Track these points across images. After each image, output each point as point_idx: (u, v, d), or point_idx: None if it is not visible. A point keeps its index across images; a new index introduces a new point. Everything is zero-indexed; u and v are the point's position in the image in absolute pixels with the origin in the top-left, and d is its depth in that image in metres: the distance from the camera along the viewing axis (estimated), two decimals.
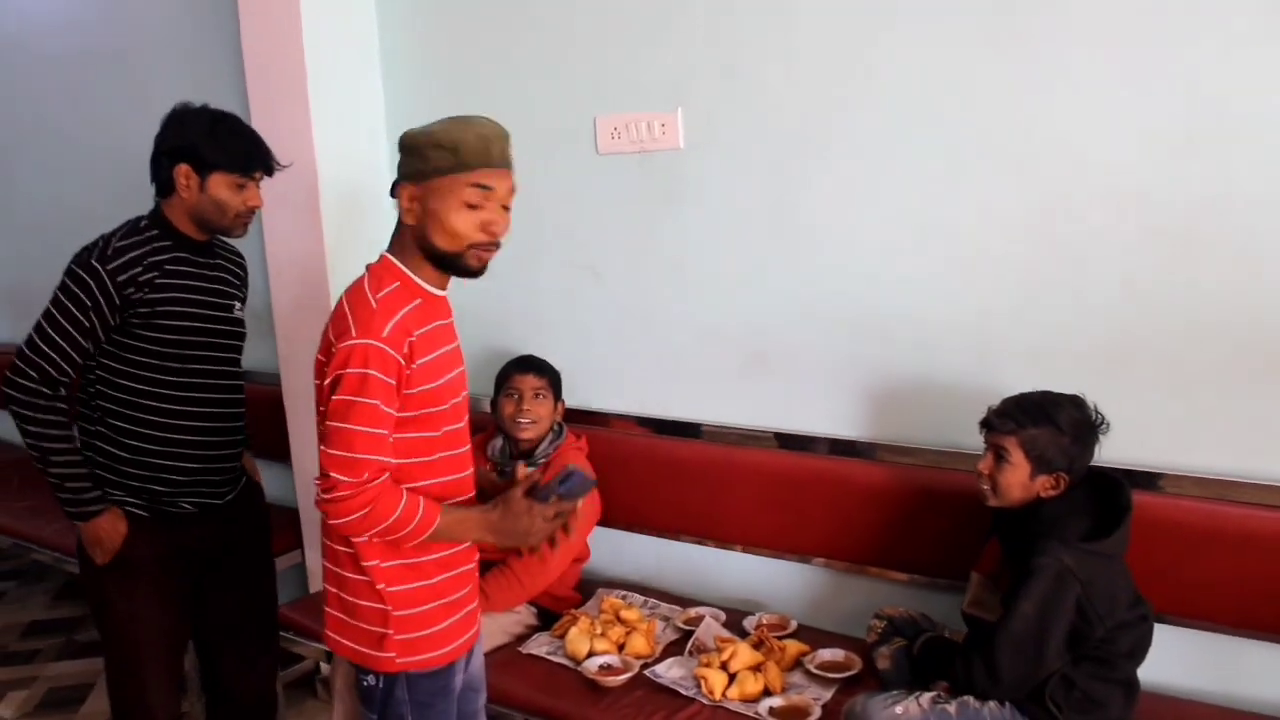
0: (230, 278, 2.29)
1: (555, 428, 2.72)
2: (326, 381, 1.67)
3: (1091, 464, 2.03)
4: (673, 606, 2.67)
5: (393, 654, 1.74)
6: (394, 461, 1.68)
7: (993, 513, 2.09)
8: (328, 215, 2.96)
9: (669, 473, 2.71)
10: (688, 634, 2.49)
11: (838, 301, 2.47)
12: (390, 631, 1.73)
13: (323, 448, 1.67)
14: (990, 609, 2.04)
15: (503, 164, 1.69)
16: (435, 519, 1.70)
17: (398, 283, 1.69)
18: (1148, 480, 2.16)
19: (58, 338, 2.07)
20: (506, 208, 1.71)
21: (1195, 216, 2.05)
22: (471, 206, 1.66)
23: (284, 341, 3.16)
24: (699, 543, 2.74)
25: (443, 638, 1.78)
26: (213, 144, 2.10)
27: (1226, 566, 2.08)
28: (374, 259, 1.77)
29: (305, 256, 3.02)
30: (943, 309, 2.35)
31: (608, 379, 2.88)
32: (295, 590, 3.34)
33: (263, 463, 2.61)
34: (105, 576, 2.20)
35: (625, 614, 2.54)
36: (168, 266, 2.12)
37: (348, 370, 1.62)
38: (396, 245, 1.74)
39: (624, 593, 2.74)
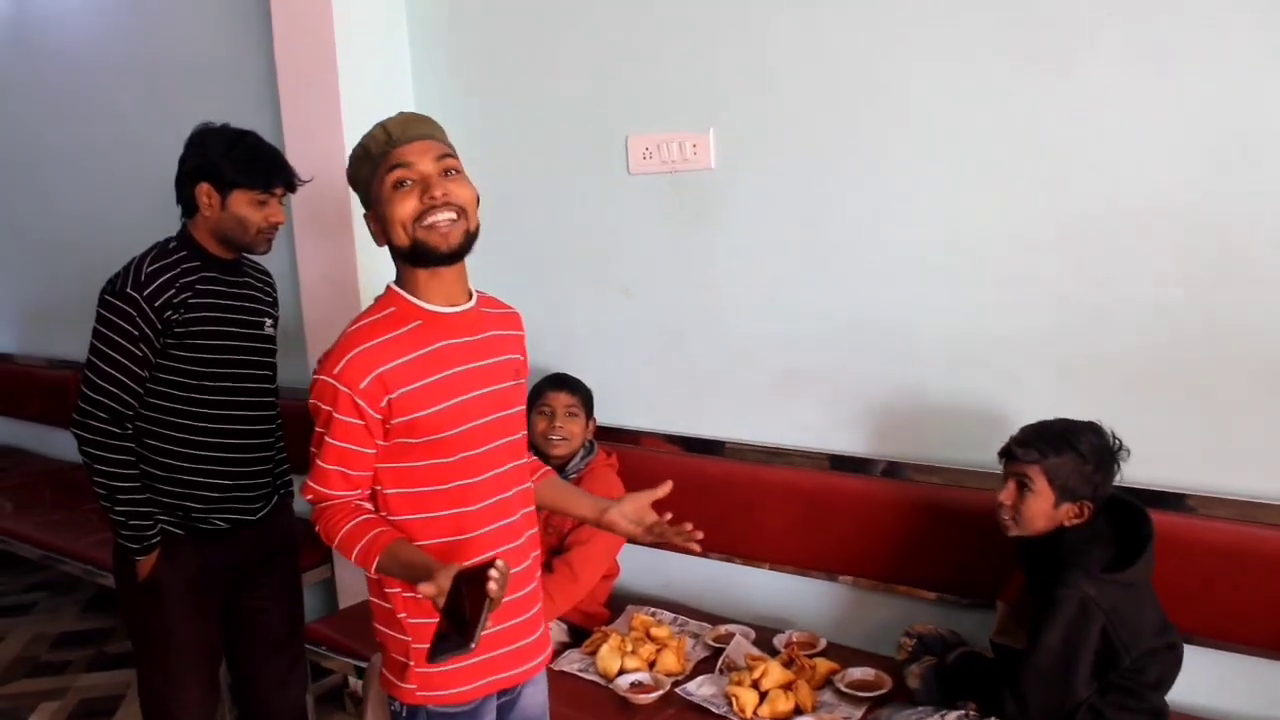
0: (260, 295, 2.32)
1: (586, 445, 2.74)
2: None
3: (1114, 491, 2.04)
4: (702, 624, 2.68)
5: (413, 686, 1.68)
6: (391, 491, 1.66)
7: (1015, 542, 2.09)
8: (360, 232, 2.97)
9: (698, 490, 2.71)
10: (718, 651, 2.49)
11: (868, 320, 2.49)
12: (411, 663, 1.68)
13: None
14: (1016, 638, 2.05)
15: (415, 138, 1.62)
16: (371, 559, 1.59)
17: (391, 309, 1.65)
18: (1177, 501, 2.16)
19: (115, 372, 2.09)
20: (448, 173, 1.61)
21: (1228, 237, 2.06)
22: (399, 186, 1.59)
23: (316, 358, 3.16)
24: (726, 560, 2.75)
25: (464, 675, 1.68)
26: (232, 162, 2.13)
27: (1258, 588, 2.08)
28: None
29: (337, 273, 3.06)
30: (973, 328, 2.36)
31: (639, 397, 2.90)
32: (324, 605, 3.36)
33: (296, 476, 2.63)
34: (141, 592, 2.22)
35: (655, 631, 2.55)
36: (199, 286, 2.15)
37: (312, 402, 1.64)
38: (398, 271, 1.70)
39: (653, 609, 2.75)
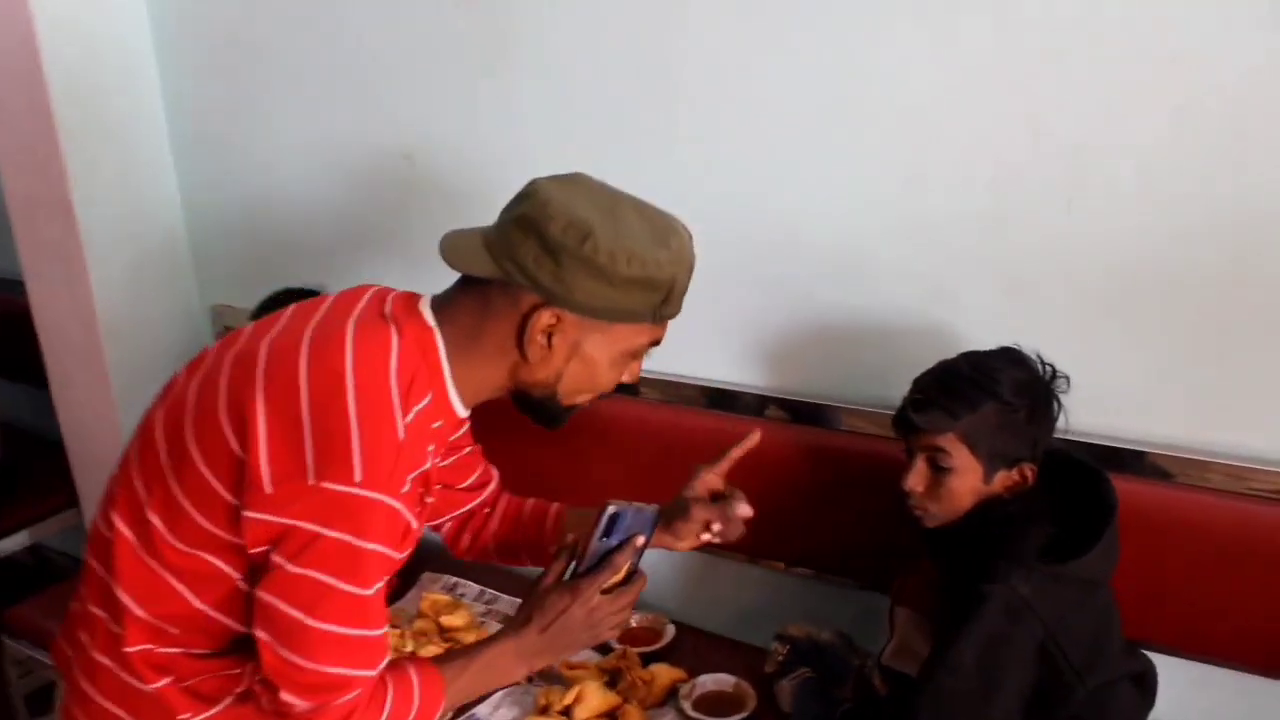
0: None
1: None
2: (260, 515, 1.05)
3: (1056, 443, 1.44)
4: (516, 600, 2.03)
5: None
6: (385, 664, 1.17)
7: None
8: (60, 98, 2.20)
9: (520, 426, 2.04)
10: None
11: (729, 192, 1.78)
12: None
13: (262, 637, 1.09)
14: (921, 658, 1.44)
15: None
16: (440, 696, 1.22)
17: (431, 392, 1.14)
18: (1147, 463, 1.55)
19: None
20: None
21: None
22: (635, 356, 1.22)
23: (28, 249, 2.42)
24: None
25: None
26: None
27: (1263, 588, 1.49)
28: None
29: (36, 143, 2.27)
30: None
31: None
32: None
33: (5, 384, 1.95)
34: None
35: (449, 618, 1.90)
36: None
37: (326, 532, 1.04)
38: (452, 325, 1.17)
39: (455, 580, 2.09)
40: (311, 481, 1.02)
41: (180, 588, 1.13)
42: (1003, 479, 1.39)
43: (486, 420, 2.05)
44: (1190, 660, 1.57)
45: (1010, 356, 1.40)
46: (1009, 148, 1.54)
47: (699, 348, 1.87)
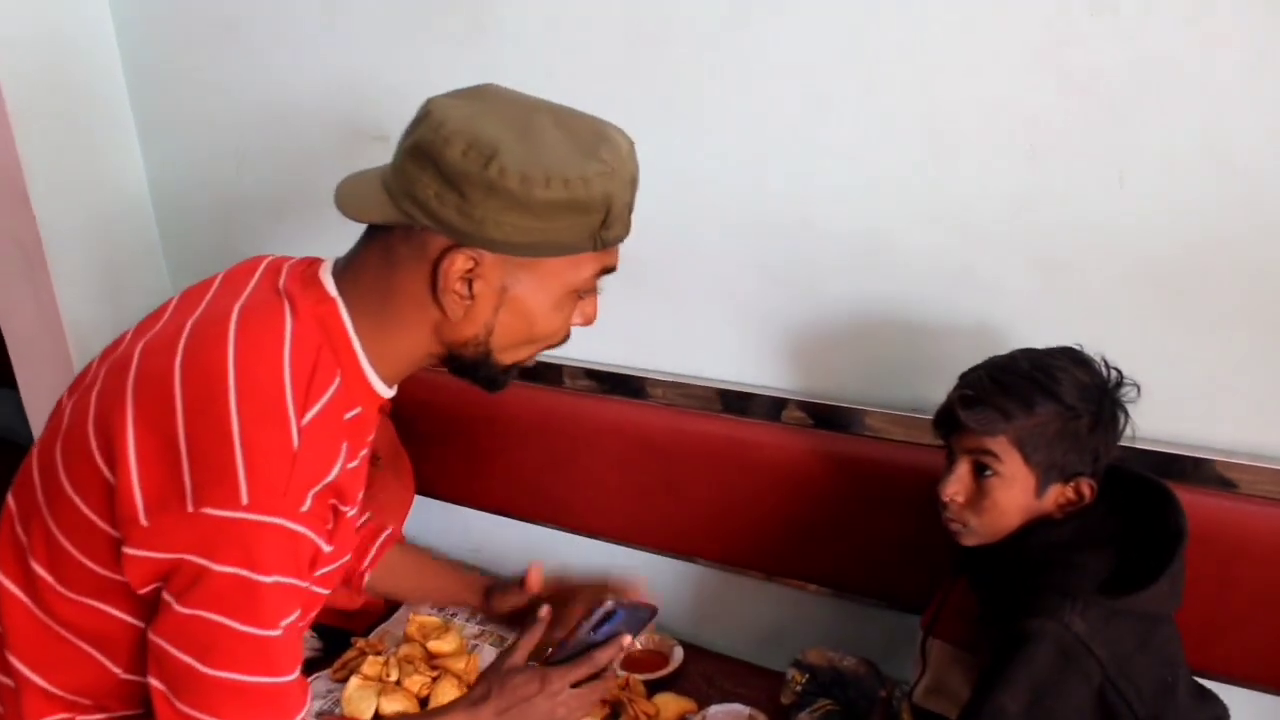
0: None
1: None
2: (140, 552, 0.89)
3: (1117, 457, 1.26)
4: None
5: None
6: (303, 714, 1.00)
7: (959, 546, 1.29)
8: (17, 112, 2.04)
9: (508, 429, 1.88)
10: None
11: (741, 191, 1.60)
12: None
13: (156, 685, 0.92)
14: (957, 701, 1.28)
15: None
16: None
17: (339, 375, 0.98)
18: (1214, 474, 1.37)
19: None
20: None
21: None
22: (582, 295, 1.04)
23: None
24: (550, 527, 1.93)
25: None
26: None
27: None
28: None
29: None
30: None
31: None
32: None
33: None
34: None
35: (437, 644, 1.74)
36: None
37: (213, 566, 0.88)
38: (357, 289, 1.00)
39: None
40: (190, 509, 0.86)
41: (93, 653, 0.96)
42: (1056, 494, 1.22)
43: (472, 425, 1.92)
44: (1260, 692, 1.40)
45: (1073, 357, 1.22)
46: (1049, 110, 1.35)
47: (707, 344, 1.70)
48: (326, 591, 1.06)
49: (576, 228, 0.94)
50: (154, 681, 0.91)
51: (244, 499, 0.85)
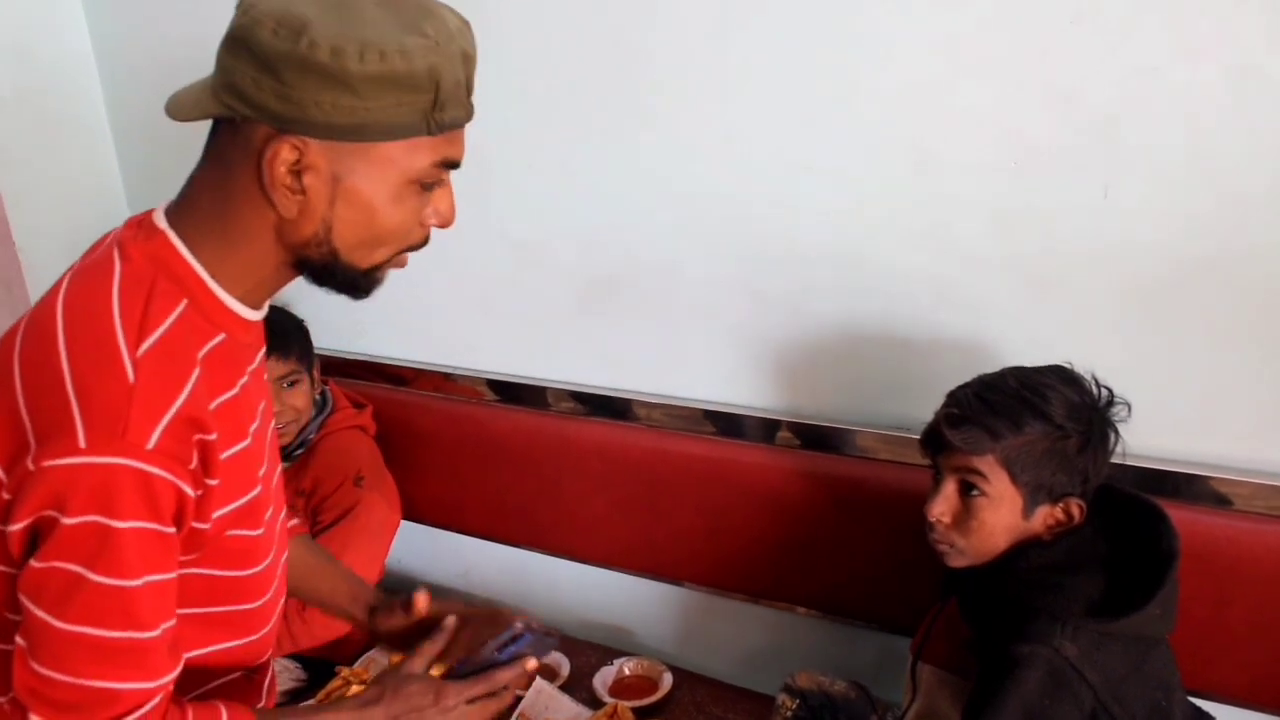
0: None
1: (317, 401, 1.84)
2: (13, 527, 0.86)
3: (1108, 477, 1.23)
4: None
5: None
6: (171, 677, 0.94)
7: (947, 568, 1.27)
8: None
9: (493, 453, 1.85)
10: (516, 699, 1.68)
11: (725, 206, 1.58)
12: None
13: (20, 644, 0.89)
14: None
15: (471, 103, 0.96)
16: None
17: (184, 301, 0.93)
18: (1208, 491, 1.35)
19: None
20: None
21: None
22: (426, 187, 0.95)
23: None
24: (536, 551, 1.90)
25: None
26: None
27: None
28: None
29: None
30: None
31: (394, 316, 1.98)
32: None
33: None
34: None
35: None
36: None
37: (63, 518, 0.84)
38: (192, 215, 0.96)
39: None
40: (32, 466, 0.83)
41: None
42: (1045, 515, 1.20)
43: (456, 449, 1.90)
44: (1258, 713, 1.37)
45: (1063, 375, 1.20)
46: (1032, 123, 1.33)
47: (692, 365, 1.68)
48: (255, 533, 1.01)
49: (405, 107, 0.88)
50: (19, 641, 0.88)
51: (81, 442, 0.82)
